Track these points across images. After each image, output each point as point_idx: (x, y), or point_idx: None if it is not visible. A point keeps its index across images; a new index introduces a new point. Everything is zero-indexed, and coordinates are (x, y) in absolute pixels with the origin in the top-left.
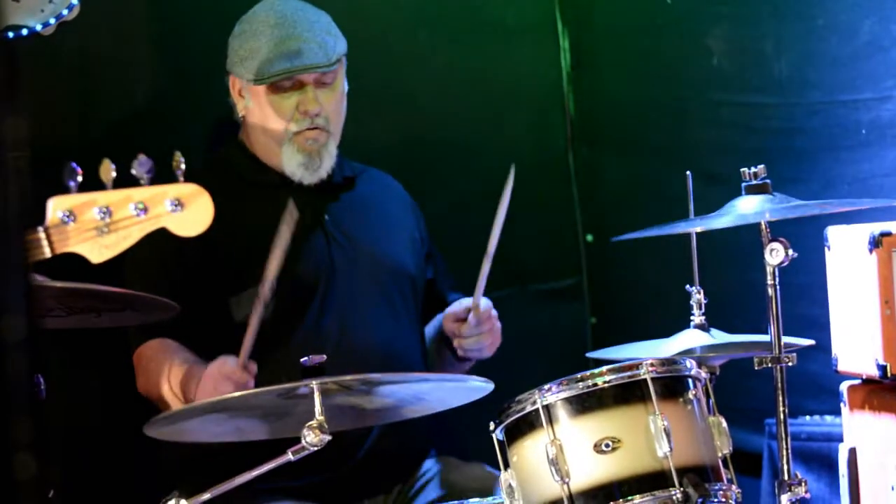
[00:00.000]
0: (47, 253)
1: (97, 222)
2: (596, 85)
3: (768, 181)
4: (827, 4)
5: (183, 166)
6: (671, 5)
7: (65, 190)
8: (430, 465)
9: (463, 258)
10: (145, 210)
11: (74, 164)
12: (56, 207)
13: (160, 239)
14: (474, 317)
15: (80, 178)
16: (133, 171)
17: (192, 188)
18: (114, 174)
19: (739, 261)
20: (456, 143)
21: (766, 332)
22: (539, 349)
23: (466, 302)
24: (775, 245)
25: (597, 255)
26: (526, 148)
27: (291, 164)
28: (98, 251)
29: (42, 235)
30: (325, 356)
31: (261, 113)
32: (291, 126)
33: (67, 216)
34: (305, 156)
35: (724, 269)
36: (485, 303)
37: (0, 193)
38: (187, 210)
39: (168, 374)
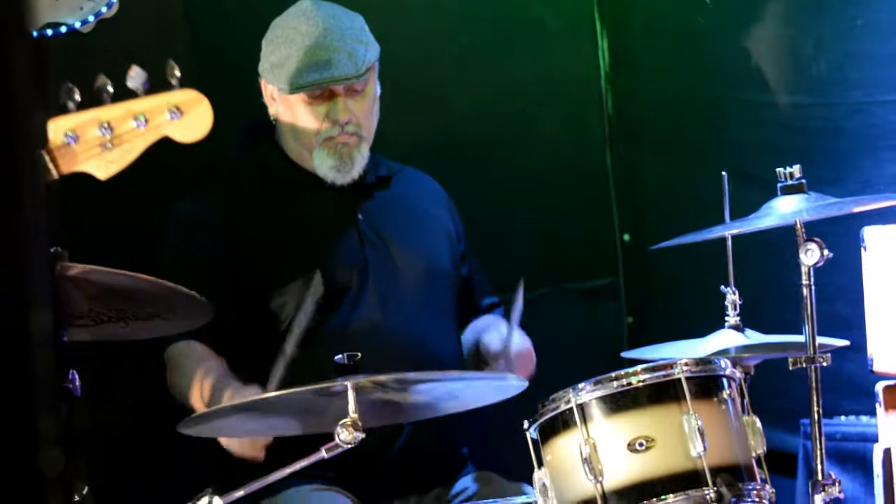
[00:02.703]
0: (53, 175)
1: (100, 139)
2: (634, 85)
3: (803, 181)
4: (867, 4)
5: (178, 73)
6: (710, 5)
7: (63, 110)
8: (468, 483)
9: (499, 257)
10: (146, 121)
11: (70, 84)
12: (58, 129)
13: (197, 237)
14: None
15: (77, 98)
16: (129, 84)
17: (189, 94)
18: (110, 89)
19: (775, 261)
20: (494, 142)
21: (801, 333)
22: (575, 348)
23: (497, 341)
24: (810, 245)
25: (634, 255)
26: (564, 147)
27: (323, 167)
28: (104, 167)
29: (46, 158)
30: (359, 353)
31: (292, 118)
32: (322, 132)
33: (70, 136)
34: (337, 159)
35: (760, 269)
36: (517, 342)
37: (27, 189)
38: (187, 116)
39: (197, 380)
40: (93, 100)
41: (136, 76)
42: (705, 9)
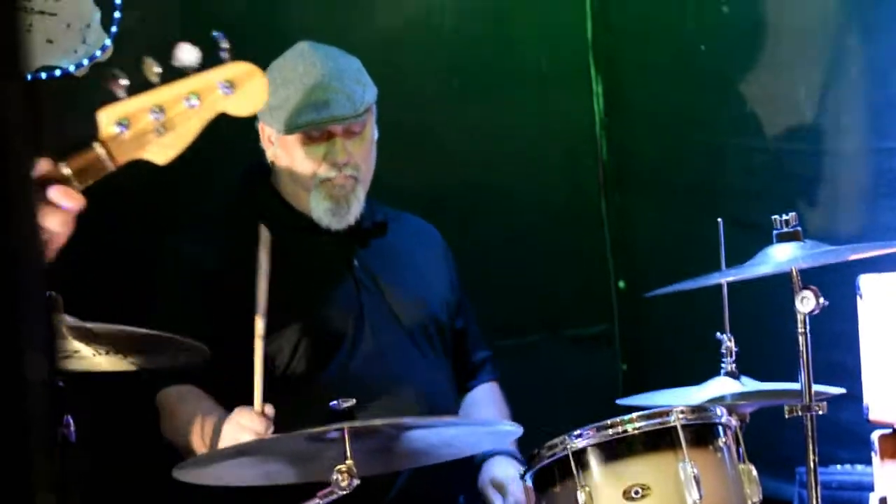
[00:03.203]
0: (110, 166)
1: (153, 123)
2: (629, 130)
3: (799, 228)
4: (861, 52)
5: (226, 45)
6: (704, 52)
7: (112, 98)
8: None
9: (492, 304)
10: (199, 100)
11: (116, 70)
12: (108, 119)
13: (194, 275)
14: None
15: (126, 82)
16: (176, 64)
17: (242, 66)
18: (158, 70)
19: (769, 308)
20: (489, 188)
21: (796, 380)
22: (570, 395)
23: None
24: (806, 293)
25: (629, 302)
26: (559, 194)
27: (319, 209)
28: (162, 153)
29: (100, 150)
30: (354, 400)
31: (289, 160)
32: (319, 174)
33: (122, 125)
34: (333, 202)
35: (755, 316)
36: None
37: (22, 230)
38: (240, 90)
39: (198, 423)
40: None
41: (185, 51)
42: (699, 54)
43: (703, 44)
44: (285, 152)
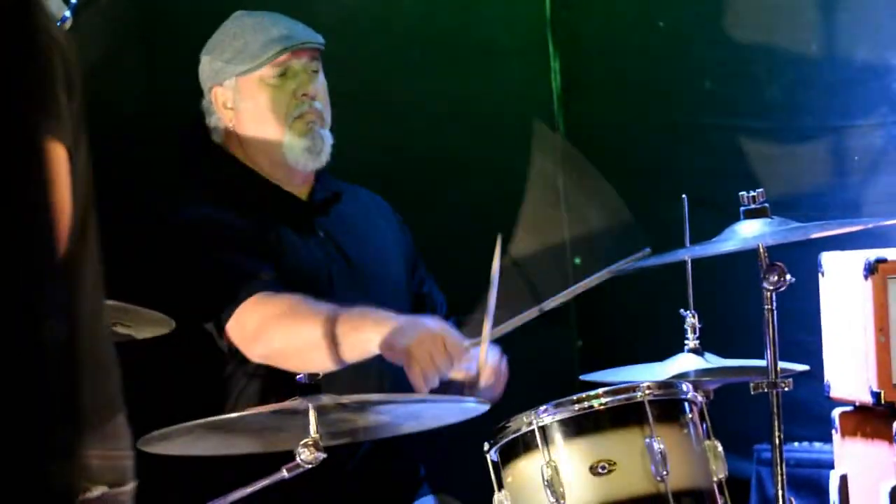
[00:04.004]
0: None
1: None
2: (587, 108)
3: (767, 205)
4: (821, 30)
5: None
6: (663, 28)
7: None
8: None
9: (451, 276)
10: None
11: None
12: None
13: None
14: (484, 380)
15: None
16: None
17: None
18: None
19: (731, 285)
20: (444, 161)
21: (757, 357)
22: (525, 371)
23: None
24: (773, 269)
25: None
26: (516, 168)
27: (295, 150)
28: None
29: None
30: (320, 373)
31: (256, 109)
32: (292, 109)
33: None
34: (309, 139)
35: (714, 293)
36: (492, 357)
37: (37, 198)
38: None
39: (376, 325)
40: None
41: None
42: (658, 32)
43: (661, 20)
44: (251, 101)
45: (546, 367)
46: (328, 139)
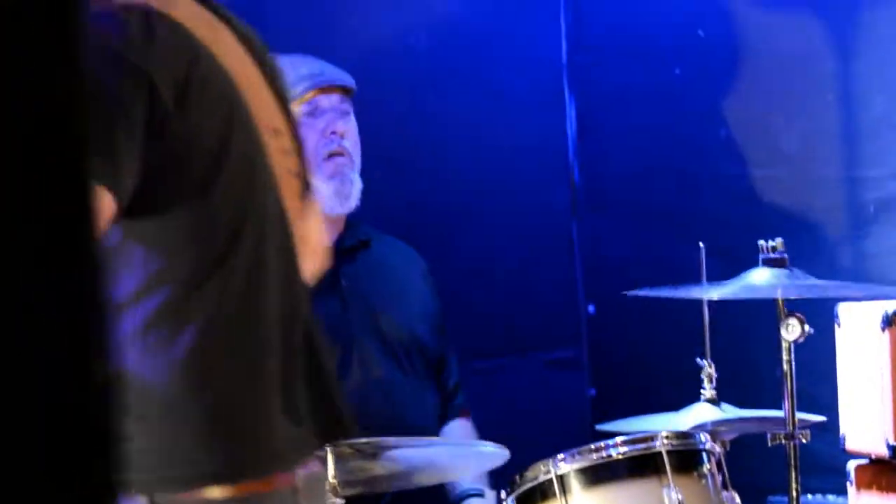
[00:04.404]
0: None
1: None
2: (601, 153)
3: (785, 255)
4: (838, 79)
5: None
6: (679, 75)
7: None
8: None
9: (460, 325)
10: None
11: None
12: None
13: None
14: None
15: None
16: None
17: None
18: None
19: (747, 335)
20: (459, 209)
21: (771, 407)
22: (537, 419)
23: None
24: (791, 320)
25: (598, 326)
26: (529, 215)
27: (326, 191)
28: None
29: None
30: None
31: None
32: (322, 147)
33: None
34: (337, 182)
35: (731, 343)
36: None
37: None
38: None
39: None
40: None
41: None
42: (674, 78)
43: (678, 68)
44: None
45: (558, 416)
46: (357, 183)
